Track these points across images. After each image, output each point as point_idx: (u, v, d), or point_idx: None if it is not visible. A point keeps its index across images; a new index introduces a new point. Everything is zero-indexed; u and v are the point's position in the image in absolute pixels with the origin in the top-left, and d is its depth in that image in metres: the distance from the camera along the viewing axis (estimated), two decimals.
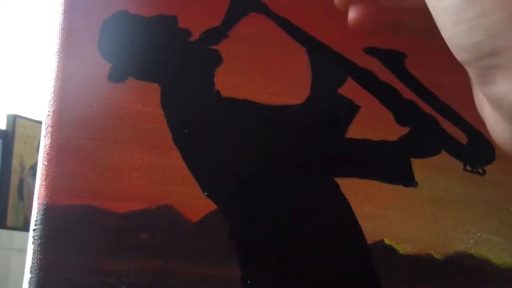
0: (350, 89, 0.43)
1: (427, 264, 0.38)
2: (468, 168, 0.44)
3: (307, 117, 0.41)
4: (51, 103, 0.34)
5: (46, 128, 0.33)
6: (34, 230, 0.30)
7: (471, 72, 0.27)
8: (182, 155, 0.36)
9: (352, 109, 0.42)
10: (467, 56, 0.26)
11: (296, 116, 0.40)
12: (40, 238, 0.30)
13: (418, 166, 0.42)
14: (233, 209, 0.35)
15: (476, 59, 0.25)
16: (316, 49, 0.43)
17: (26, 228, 1.85)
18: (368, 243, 0.37)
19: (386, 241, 0.38)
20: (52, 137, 0.33)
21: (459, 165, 0.44)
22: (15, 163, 1.93)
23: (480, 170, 0.44)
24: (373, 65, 0.44)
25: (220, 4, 0.42)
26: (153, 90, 0.37)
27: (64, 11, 0.37)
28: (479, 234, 0.41)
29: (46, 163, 0.32)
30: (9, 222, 1.88)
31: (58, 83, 0.35)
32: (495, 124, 0.28)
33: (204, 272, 0.33)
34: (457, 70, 0.29)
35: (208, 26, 0.41)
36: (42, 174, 0.32)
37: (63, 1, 0.37)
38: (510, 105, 0.25)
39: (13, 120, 1.96)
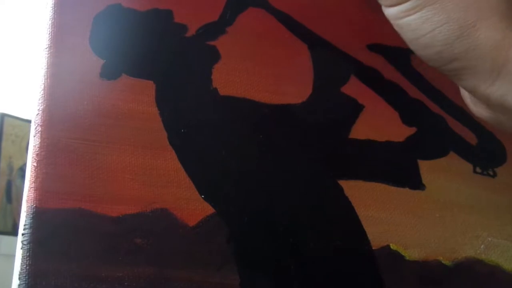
0: (353, 88, 0.43)
1: (435, 270, 0.38)
2: (478, 170, 0.44)
3: (309, 116, 0.41)
4: (40, 101, 0.34)
5: (36, 128, 0.33)
6: (22, 234, 0.30)
7: (443, 72, 0.32)
8: (178, 156, 0.35)
9: (356, 109, 0.42)
10: (433, 63, 0.32)
11: (298, 115, 0.40)
12: (29, 243, 0.30)
13: (426, 168, 0.42)
14: (232, 213, 0.35)
15: (441, 65, 0.31)
16: (319, 46, 0.43)
17: (14, 232, 1.85)
18: (374, 248, 0.37)
19: (392, 246, 0.38)
20: (41, 137, 0.33)
21: (469, 167, 0.44)
22: (3, 164, 1.92)
23: (491, 172, 0.44)
24: (378, 62, 0.44)
25: None
26: (148, 87, 0.37)
27: (54, 4, 0.37)
28: (490, 239, 0.41)
29: (35, 164, 0.32)
30: None
31: (48, 80, 0.35)
32: (474, 106, 0.34)
33: (201, 279, 0.32)
34: None
35: (205, 21, 0.41)
36: (31, 175, 0.32)
37: None
38: (482, 95, 0.31)
39: (1, 119, 1.96)
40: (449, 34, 0.29)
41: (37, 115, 0.34)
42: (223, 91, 0.39)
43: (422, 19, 0.30)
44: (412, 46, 0.32)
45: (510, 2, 0.29)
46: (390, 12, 0.32)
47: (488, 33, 0.29)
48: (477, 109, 0.34)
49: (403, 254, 0.38)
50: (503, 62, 0.29)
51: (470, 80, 0.31)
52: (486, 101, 0.31)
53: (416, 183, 0.41)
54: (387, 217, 0.39)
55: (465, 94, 0.34)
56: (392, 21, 0.32)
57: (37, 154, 0.32)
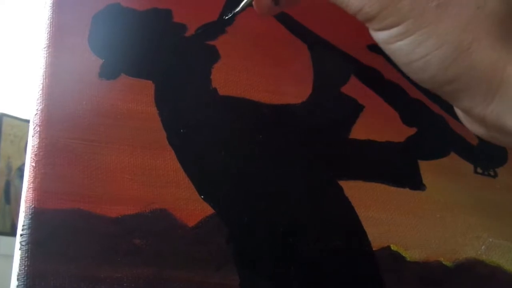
0: (354, 88, 0.43)
1: (436, 271, 0.38)
2: (479, 170, 0.44)
3: (308, 116, 0.41)
4: (39, 101, 0.34)
5: (34, 128, 0.33)
6: (21, 235, 0.30)
7: (437, 94, 0.31)
8: (177, 156, 0.35)
9: (356, 109, 0.42)
10: (426, 86, 0.30)
11: (298, 115, 0.40)
12: (27, 243, 0.30)
13: (426, 168, 0.42)
14: (231, 213, 0.35)
15: (435, 88, 0.30)
16: (319, 46, 0.43)
17: (13, 233, 1.85)
18: (374, 249, 0.37)
19: (393, 247, 0.38)
20: (40, 137, 0.33)
21: (470, 167, 0.44)
22: (1, 165, 1.92)
23: (492, 173, 0.44)
24: (378, 62, 0.44)
25: None
26: (147, 87, 0.37)
27: (53, 4, 0.37)
28: (491, 239, 0.41)
29: (34, 164, 0.32)
30: None
31: (47, 80, 0.35)
32: (469, 124, 0.33)
33: (200, 280, 0.32)
34: None
35: (205, 21, 0.41)
36: (29, 176, 0.32)
37: None
38: (477, 116, 0.30)
39: (0, 119, 1.96)
40: (443, 58, 0.28)
41: (35, 115, 0.34)
42: (222, 91, 0.39)
43: (414, 43, 0.29)
44: (404, 70, 0.31)
45: (503, 22, 0.29)
46: (379, 36, 0.30)
47: (483, 55, 0.28)
48: (472, 127, 0.34)
49: (403, 255, 0.38)
50: (498, 83, 0.28)
51: (465, 101, 0.30)
52: (482, 122, 0.31)
53: (416, 184, 0.41)
54: (387, 217, 0.39)
55: (459, 111, 0.34)
56: (381, 45, 0.31)
57: (35, 154, 0.32)
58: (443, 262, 0.39)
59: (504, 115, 0.29)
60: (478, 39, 0.28)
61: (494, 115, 0.29)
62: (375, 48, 0.44)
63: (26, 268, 0.29)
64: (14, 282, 0.29)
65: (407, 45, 0.29)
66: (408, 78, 0.44)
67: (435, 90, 0.31)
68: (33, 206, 0.31)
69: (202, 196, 0.35)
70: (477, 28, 0.28)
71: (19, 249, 0.30)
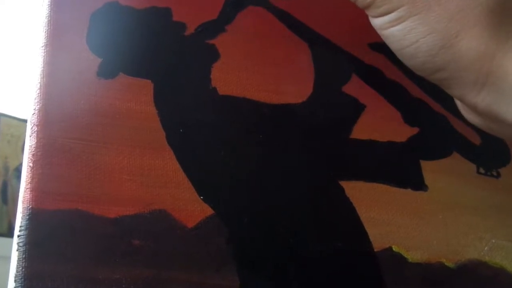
0: (355, 87, 0.43)
1: (438, 272, 0.38)
2: (482, 170, 0.44)
3: (309, 116, 0.41)
4: (36, 100, 0.34)
5: (32, 127, 0.33)
6: (18, 236, 0.30)
7: (432, 81, 0.32)
8: (176, 156, 0.35)
9: (357, 108, 0.42)
10: (419, 73, 0.32)
11: (298, 115, 0.40)
12: (25, 244, 0.30)
13: (428, 168, 0.42)
14: (231, 214, 0.35)
15: (427, 76, 0.32)
16: (319, 45, 0.43)
17: (10, 234, 1.85)
18: (375, 250, 0.37)
19: (395, 248, 0.38)
20: (37, 137, 0.33)
21: (472, 167, 0.44)
22: None
23: (494, 173, 0.44)
24: (380, 61, 0.44)
25: None
26: (146, 87, 0.37)
27: (51, 2, 0.37)
28: (493, 240, 0.41)
29: (31, 164, 0.32)
30: None
31: (44, 79, 0.35)
32: (466, 113, 0.34)
33: (200, 281, 0.32)
34: None
35: (205, 19, 0.41)
36: (27, 176, 0.32)
37: None
38: (469, 103, 0.31)
39: None
40: (432, 45, 0.30)
41: (33, 114, 0.34)
42: (222, 90, 0.39)
43: (406, 30, 0.30)
44: (398, 56, 0.33)
45: (494, 12, 0.29)
46: (375, 22, 0.32)
47: (471, 43, 0.29)
48: (469, 116, 0.34)
49: (405, 256, 0.38)
50: (487, 72, 0.29)
51: (456, 89, 0.31)
52: (474, 110, 0.32)
53: (418, 184, 0.41)
54: (389, 218, 0.39)
55: (457, 101, 0.35)
56: (378, 31, 0.33)
57: (33, 154, 0.32)
58: (445, 263, 0.39)
59: (494, 104, 0.30)
60: (466, 28, 0.29)
61: (485, 104, 0.30)
62: (376, 46, 0.44)
63: (23, 269, 0.29)
64: (11, 284, 0.29)
65: (399, 31, 0.30)
66: (409, 77, 0.44)
67: (428, 77, 0.32)
68: (30, 206, 0.31)
69: (202, 197, 0.35)
70: (466, 17, 0.29)
71: (17, 250, 0.30)
